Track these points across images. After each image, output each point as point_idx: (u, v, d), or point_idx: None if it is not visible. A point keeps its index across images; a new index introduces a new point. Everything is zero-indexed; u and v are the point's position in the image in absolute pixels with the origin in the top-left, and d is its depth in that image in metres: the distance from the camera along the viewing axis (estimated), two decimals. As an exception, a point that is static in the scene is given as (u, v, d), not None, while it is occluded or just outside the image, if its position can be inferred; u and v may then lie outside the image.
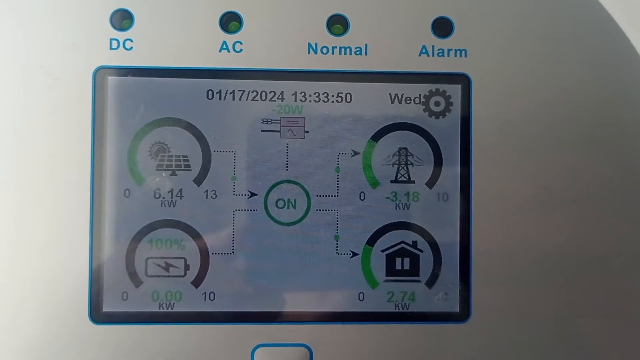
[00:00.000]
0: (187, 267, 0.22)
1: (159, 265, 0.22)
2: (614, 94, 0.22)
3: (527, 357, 0.22)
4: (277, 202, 0.22)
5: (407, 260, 0.22)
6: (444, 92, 0.22)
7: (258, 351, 0.21)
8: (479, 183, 0.22)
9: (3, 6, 0.21)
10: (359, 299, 0.22)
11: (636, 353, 0.22)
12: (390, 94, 0.22)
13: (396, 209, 0.22)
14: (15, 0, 0.21)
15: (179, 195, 0.22)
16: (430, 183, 0.22)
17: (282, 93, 0.22)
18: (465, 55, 0.22)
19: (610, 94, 0.22)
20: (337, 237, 0.22)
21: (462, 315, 0.22)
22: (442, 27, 0.22)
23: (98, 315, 0.21)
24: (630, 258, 0.22)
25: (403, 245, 0.22)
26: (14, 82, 0.21)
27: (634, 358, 0.22)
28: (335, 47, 0.22)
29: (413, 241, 0.22)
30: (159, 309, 0.22)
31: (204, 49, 0.22)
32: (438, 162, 0.22)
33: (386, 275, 0.22)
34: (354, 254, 0.22)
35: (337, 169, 0.22)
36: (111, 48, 0.21)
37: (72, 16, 0.21)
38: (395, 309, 0.22)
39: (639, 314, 0.22)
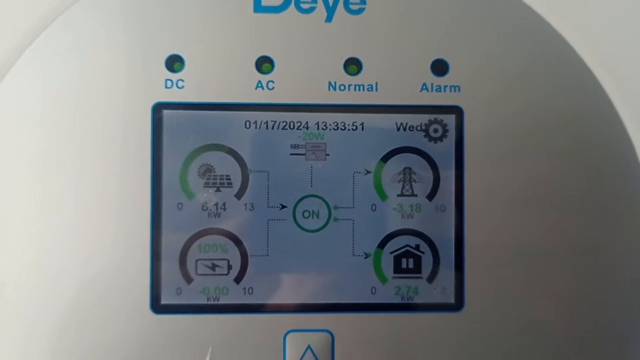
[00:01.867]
0: (230, 267, 0.25)
1: (206, 266, 0.24)
2: (581, 120, 0.25)
3: (511, 340, 0.25)
4: (303, 212, 0.25)
5: (411, 260, 0.25)
6: (441, 121, 0.25)
7: (289, 336, 0.24)
8: (470, 196, 0.25)
9: (76, 48, 0.24)
10: (372, 292, 0.25)
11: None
12: (396, 123, 0.25)
13: (402, 218, 0.25)
14: (85, 45, 0.24)
15: (222, 207, 0.25)
16: (430, 196, 0.25)
17: (307, 123, 0.25)
18: (459, 91, 0.25)
19: (578, 120, 0.25)
20: (353, 242, 0.25)
21: (457, 305, 0.25)
22: (439, 67, 0.25)
23: (157, 306, 0.24)
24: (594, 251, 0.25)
25: (408, 248, 0.25)
26: (83, 113, 0.24)
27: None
28: (351, 84, 0.25)
29: (416, 245, 0.25)
30: (207, 301, 0.24)
31: (242, 87, 0.24)
32: (436, 179, 0.25)
33: (394, 273, 0.25)
34: (367, 255, 0.25)
35: (353, 185, 0.25)
36: (166, 87, 0.24)
37: (134, 60, 0.24)
38: (402, 300, 0.25)
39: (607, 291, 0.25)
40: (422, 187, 0.25)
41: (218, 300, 0.25)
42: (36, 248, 0.24)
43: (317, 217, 0.25)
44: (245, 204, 0.25)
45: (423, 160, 0.25)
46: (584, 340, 0.25)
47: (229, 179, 0.25)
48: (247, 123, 0.25)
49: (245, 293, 0.25)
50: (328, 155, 0.25)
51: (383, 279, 0.25)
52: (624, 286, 0.25)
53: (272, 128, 0.25)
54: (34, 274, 0.24)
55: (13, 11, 0.25)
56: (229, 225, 0.25)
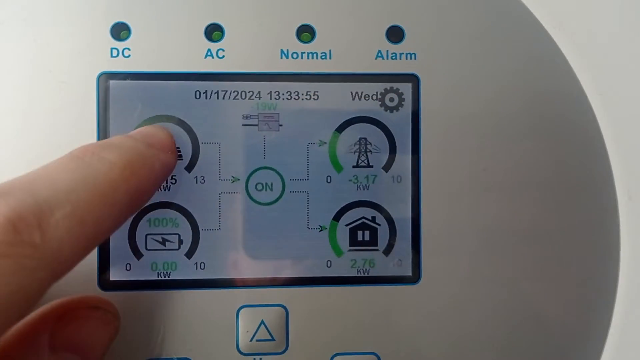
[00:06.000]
0: (180, 242, 0.24)
1: (156, 241, 0.24)
2: (540, 88, 0.25)
3: (466, 311, 0.25)
4: (256, 185, 0.24)
5: (367, 233, 0.25)
6: (397, 89, 0.25)
7: (242, 311, 0.24)
8: (427, 167, 0.25)
9: (19, 17, 0.24)
10: (327, 265, 0.25)
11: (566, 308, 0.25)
12: (351, 92, 0.25)
13: (357, 189, 0.25)
14: (28, 13, 0.24)
15: (172, 180, 0.24)
16: (386, 167, 0.25)
17: (259, 92, 0.24)
18: (415, 58, 0.25)
19: (537, 88, 0.25)
20: (307, 214, 0.24)
21: (414, 278, 0.25)
22: (395, 34, 0.25)
23: (106, 283, 0.24)
24: (555, 230, 0.25)
25: (363, 220, 0.25)
26: (26, 84, 0.23)
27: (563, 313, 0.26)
28: (304, 52, 0.24)
29: (372, 217, 0.25)
30: (158, 277, 0.24)
31: (191, 55, 0.24)
32: (392, 149, 0.25)
33: (350, 246, 0.25)
34: (322, 228, 0.25)
35: (307, 157, 0.25)
36: (112, 56, 0.24)
37: (78, 28, 0.24)
38: (358, 273, 0.25)
39: (565, 275, 0.25)
40: (378, 158, 0.25)
41: (169, 276, 0.24)
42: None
43: (271, 189, 0.25)
44: (196, 177, 0.24)
45: (379, 131, 0.25)
46: (535, 315, 0.25)
47: (179, 151, 0.24)
48: (197, 93, 0.24)
49: (197, 268, 0.24)
50: (281, 125, 0.25)
51: (339, 252, 0.25)
52: (576, 271, 0.25)
53: (223, 98, 0.24)
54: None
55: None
56: (179, 198, 0.24)
